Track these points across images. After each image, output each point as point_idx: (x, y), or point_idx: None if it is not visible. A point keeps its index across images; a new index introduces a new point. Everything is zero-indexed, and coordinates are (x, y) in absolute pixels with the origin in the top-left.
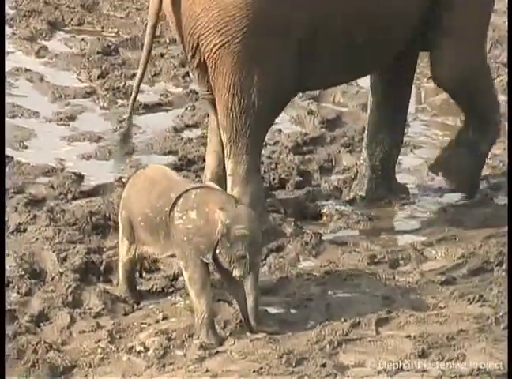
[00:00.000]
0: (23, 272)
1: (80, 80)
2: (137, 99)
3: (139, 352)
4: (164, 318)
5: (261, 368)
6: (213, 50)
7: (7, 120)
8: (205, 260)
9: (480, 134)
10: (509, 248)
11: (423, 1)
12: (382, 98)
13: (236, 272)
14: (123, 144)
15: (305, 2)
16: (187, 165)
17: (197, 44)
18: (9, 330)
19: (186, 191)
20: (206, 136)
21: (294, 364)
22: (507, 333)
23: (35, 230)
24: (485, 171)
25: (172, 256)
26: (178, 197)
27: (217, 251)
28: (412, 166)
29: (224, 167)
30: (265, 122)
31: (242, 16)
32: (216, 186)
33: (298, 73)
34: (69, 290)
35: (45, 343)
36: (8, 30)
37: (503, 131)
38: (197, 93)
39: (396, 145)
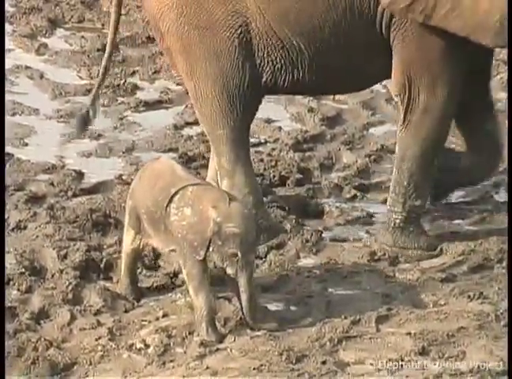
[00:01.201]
0: (23, 270)
1: (80, 77)
2: (138, 96)
3: (139, 349)
4: (165, 315)
5: (262, 365)
6: (170, 40)
7: (7, 117)
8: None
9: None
10: (509, 246)
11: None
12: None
13: (229, 270)
14: (81, 126)
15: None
16: (187, 162)
17: (161, 34)
18: (9, 327)
19: (184, 187)
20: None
21: (294, 361)
22: (507, 331)
23: (36, 228)
24: None
25: (174, 250)
26: (176, 193)
27: (210, 249)
28: None
29: None
30: (234, 112)
31: (178, 11)
32: (214, 183)
33: (252, 71)
34: (70, 287)
35: (45, 340)
36: (8, 27)
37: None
38: None
39: None
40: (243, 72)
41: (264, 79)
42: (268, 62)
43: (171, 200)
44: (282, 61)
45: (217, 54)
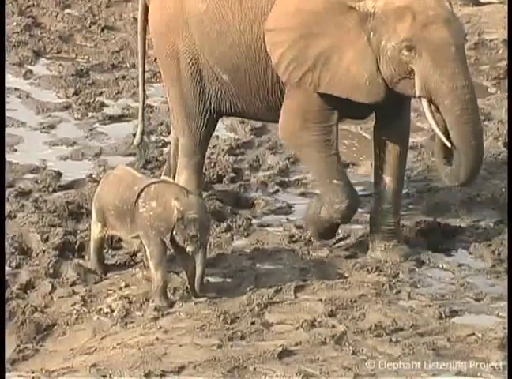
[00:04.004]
0: (13, 250)
1: (58, 96)
2: (105, 112)
3: (106, 313)
4: (126, 286)
5: (203, 325)
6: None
7: None
8: (163, 240)
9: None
10: (509, 246)
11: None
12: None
13: (189, 248)
14: (141, 153)
15: (184, 34)
16: (144, 164)
17: None
18: None
19: (148, 185)
20: (160, 141)
21: (229, 322)
22: (507, 330)
23: (23, 217)
24: None
25: (136, 237)
26: (141, 191)
27: (174, 232)
28: None
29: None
30: (190, 128)
31: (157, 41)
32: (171, 180)
33: (203, 97)
34: (51, 264)
35: (31, 306)
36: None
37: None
38: (152, 107)
39: None
40: (196, 97)
41: (212, 104)
42: (212, 91)
43: (138, 196)
44: (219, 92)
45: (178, 79)
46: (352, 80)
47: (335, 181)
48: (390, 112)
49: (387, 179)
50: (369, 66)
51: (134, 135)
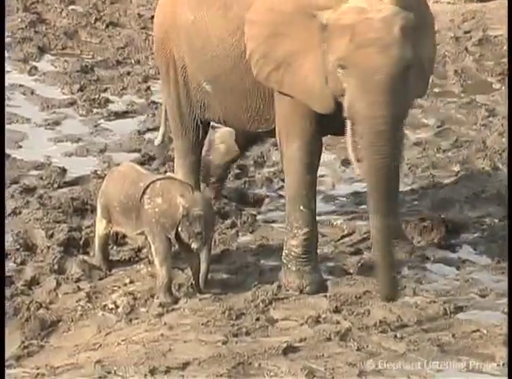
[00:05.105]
0: (18, 246)
1: (63, 93)
2: (110, 108)
3: (111, 309)
4: (131, 282)
5: (208, 321)
6: None
7: (6, 126)
8: (168, 236)
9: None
10: (509, 247)
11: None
12: None
13: (194, 245)
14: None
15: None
16: (149, 160)
17: None
18: (7, 292)
19: (153, 181)
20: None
21: (234, 318)
22: (507, 330)
23: (28, 213)
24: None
25: (140, 233)
26: (147, 187)
27: (179, 229)
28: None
29: None
30: (182, 131)
31: (155, 48)
32: (176, 177)
33: (190, 103)
34: (55, 260)
35: (36, 302)
36: (5, 54)
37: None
38: (156, 103)
39: None
40: (187, 103)
41: (200, 113)
42: (198, 101)
43: (144, 193)
44: (205, 101)
45: (169, 86)
46: (308, 88)
47: (301, 208)
48: None
49: None
50: (321, 77)
51: (139, 131)
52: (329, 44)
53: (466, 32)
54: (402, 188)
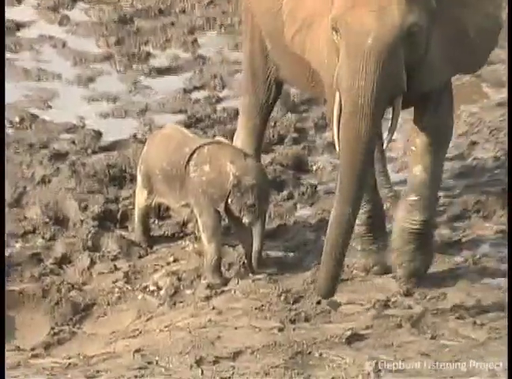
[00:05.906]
0: (47, 220)
1: (98, 46)
2: (151, 63)
3: (152, 291)
4: (175, 260)
5: (262, 305)
6: None
7: (34, 83)
8: (217, 209)
9: None
10: (509, 246)
11: None
12: None
13: (246, 219)
14: None
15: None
16: (195, 123)
17: None
18: (35, 271)
19: (200, 146)
20: (212, 97)
21: (292, 302)
22: (507, 329)
23: (59, 182)
24: (463, 128)
25: (185, 205)
26: (193, 152)
27: (229, 200)
28: None
29: None
30: (254, 86)
31: None
32: (226, 141)
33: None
34: (89, 235)
35: (68, 283)
36: (33, 1)
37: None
38: (204, 58)
39: None
40: (262, 58)
41: (272, 70)
42: (270, 57)
43: (189, 159)
44: (272, 58)
45: (251, 36)
46: (322, 58)
47: None
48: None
49: (416, 168)
50: (330, 47)
51: (184, 90)
52: (332, 5)
53: None
54: (481, 154)
